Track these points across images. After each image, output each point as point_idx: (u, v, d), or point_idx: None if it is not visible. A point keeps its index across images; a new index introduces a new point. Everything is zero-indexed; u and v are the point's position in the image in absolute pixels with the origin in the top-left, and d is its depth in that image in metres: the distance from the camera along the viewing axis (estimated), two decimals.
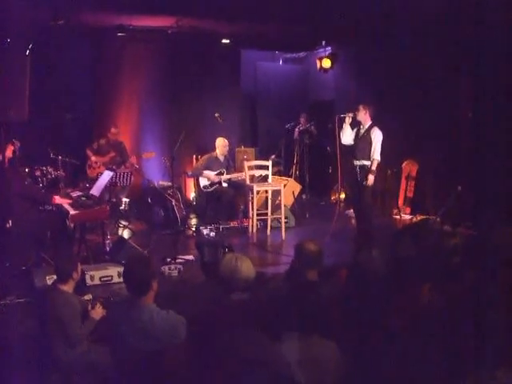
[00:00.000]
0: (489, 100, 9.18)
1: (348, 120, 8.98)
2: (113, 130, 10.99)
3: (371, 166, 8.64)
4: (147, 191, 11.13)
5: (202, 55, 12.20)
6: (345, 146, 9.13)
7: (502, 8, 8.51)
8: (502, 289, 3.87)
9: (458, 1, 8.74)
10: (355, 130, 9.01)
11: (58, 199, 7.69)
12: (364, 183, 8.75)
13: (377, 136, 8.70)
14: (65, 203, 7.66)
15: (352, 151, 8.96)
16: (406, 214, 11.15)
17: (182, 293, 6.33)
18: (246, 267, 4.31)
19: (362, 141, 8.82)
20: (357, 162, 8.83)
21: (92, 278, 6.89)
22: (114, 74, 11.95)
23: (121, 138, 11.28)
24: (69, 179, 9.85)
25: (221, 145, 10.74)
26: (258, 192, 9.84)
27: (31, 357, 4.92)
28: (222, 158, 10.77)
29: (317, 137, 12.83)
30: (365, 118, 8.87)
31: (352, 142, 9.01)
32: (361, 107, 8.88)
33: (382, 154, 8.84)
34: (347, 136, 9.04)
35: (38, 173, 9.01)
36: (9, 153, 7.79)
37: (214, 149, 10.80)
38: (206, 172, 10.59)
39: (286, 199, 10.42)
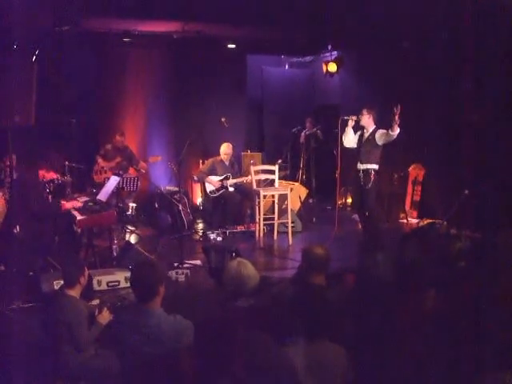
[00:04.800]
0: (494, 103, 9.17)
1: (351, 123, 8.97)
2: (117, 137, 11.01)
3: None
4: (154, 196, 11.14)
5: (207, 60, 12.19)
6: (350, 150, 9.13)
7: (504, 10, 8.51)
8: (507, 292, 3.87)
9: (461, 5, 8.74)
10: (358, 133, 9.01)
11: (66, 204, 7.70)
12: (367, 187, 8.73)
13: (381, 131, 8.66)
14: (75, 205, 7.67)
15: (356, 155, 8.95)
16: (412, 217, 11.14)
17: (189, 298, 6.35)
18: (250, 274, 4.33)
19: (367, 145, 8.80)
20: (360, 166, 8.81)
21: (99, 282, 6.90)
22: (120, 79, 11.98)
23: (126, 143, 11.30)
24: (75, 184, 9.86)
25: (225, 150, 10.73)
26: (264, 196, 9.83)
27: (38, 362, 4.93)
28: (227, 162, 10.78)
29: (323, 141, 12.82)
30: (368, 122, 8.85)
31: (354, 146, 9.01)
32: (365, 111, 8.87)
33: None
34: (349, 139, 9.04)
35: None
36: (49, 175, 7.85)
37: (219, 153, 10.82)
38: (210, 178, 10.59)
39: (293, 204, 10.41)
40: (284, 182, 11.26)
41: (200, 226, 11.08)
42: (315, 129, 12.90)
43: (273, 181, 10.22)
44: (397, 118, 8.22)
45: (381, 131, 8.66)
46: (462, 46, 9.54)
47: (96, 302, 6.07)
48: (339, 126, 9.11)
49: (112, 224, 8.12)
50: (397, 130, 8.34)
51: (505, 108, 8.96)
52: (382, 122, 8.73)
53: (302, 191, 11.36)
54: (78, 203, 7.76)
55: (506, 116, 8.92)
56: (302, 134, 13.08)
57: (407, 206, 11.37)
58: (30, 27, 8.92)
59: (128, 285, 6.43)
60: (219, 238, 9.83)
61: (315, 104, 14.80)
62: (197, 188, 12.00)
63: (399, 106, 8.20)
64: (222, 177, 10.61)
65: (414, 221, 10.96)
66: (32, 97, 6.92)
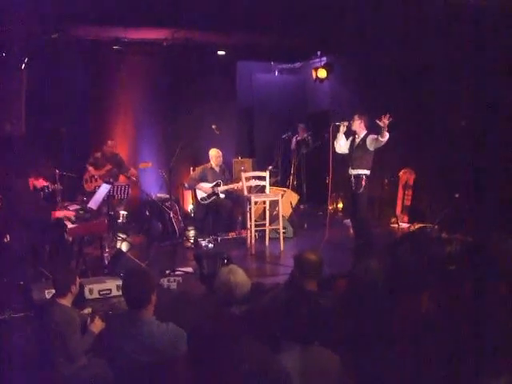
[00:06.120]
0: (485, 109, 9.21)
1: (342, 129, 9.02)
2: (109, 142, 11.04)
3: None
4: (145, 204, 11.13)
5: (197, 67, 12.22)
6: (341, 155, 9.15)
7: (497, 16, 8.56)
8: (499, 295, 3.88)
9: (455, 9, 8.76)
10: (350, 139, 9.04)
11: (58, 213, 7.65)
12: (358, 192, 8.76)
13: (371, 136, 8.70)
14: (67, 215, 7.62)
15: (348, 160, 8.98)
16: (403, 222, 11.15)
17: (181, 305, 6.32)
18: (241, 280, 4.33)
19: (358, 150, 8.83)
20: (352, 171, 8.84)
21: (91, 291, 6.87)
22: (110, 86, 11.97)
23: (116, 150, 11.29)
24: (66, 193, 9.83)
25: (214, 156, 10.76)
26: (255, 203, 9.83)
27: (30, 371, 4.90)
28: (217, 169, 10.79)
29: (313, 147, 12.83)
30: (360, 127, 8.89)
31: (346, 151, 9.05)
32: (356, 117, 8.91)
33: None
34: (341, 145, 9.08)
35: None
36: (39, 183, 7.81)
37: (210, 160, 10.82)
38: (201, 184, 10.60)
39: (284, 210, 10.40)
40: (275, 188, 11.26)
41: (191, 233, 11.06)
42: (306, 135, 12.91)
43: (264, 187, 10.22)
44: (385, 126, 8.27)
45: (371, 136, 8.70)
46: (452, 51, 9.59)
47: (88, 310, 6.05)
48: (330, 131, 9.14)
49: (103, 232, 8.10)
50: (386, 136, 8.38)
51: (494, 112, 9.00)
52: (373, 128, 8.76)
53: (293, 197, 11.36)
54: (70, 213, 7.70)
55: (496, 120, 8.96)
56: (293, 139, 13.09)
57: (398, 211, 11.39)
58: (20, 35, 8.91)
59: (120, 293, 6.41)
60: (211, 245, 9.82)
61: (306, 110, 14.82)
62: (188, 195, 11.99)
63: (388, 115, 8.24)
64: (213, 183, 10.60)
65: (405, 225, 10.98)
66: (21, 105, 6.91)
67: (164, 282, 7.42)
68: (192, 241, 10.34)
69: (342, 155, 9.17)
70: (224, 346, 3.30)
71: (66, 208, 8.17)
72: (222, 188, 10.60)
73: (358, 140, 8.92)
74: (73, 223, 7.50)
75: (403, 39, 10.21)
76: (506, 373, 3.22)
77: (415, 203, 11.17)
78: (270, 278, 7.85)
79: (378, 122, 8.35)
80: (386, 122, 8.24)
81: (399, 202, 11.43)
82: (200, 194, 10.64)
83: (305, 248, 8.32)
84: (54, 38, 9.80)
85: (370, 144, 8.69)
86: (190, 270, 8.09)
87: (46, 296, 6.34)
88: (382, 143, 8.52)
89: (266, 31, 10.61)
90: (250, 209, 9.64)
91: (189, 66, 12.10)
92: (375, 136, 8.59)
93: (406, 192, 11.30)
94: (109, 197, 8.67)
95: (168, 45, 11.38)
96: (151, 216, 10.82)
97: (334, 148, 9.16)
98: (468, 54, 9.33)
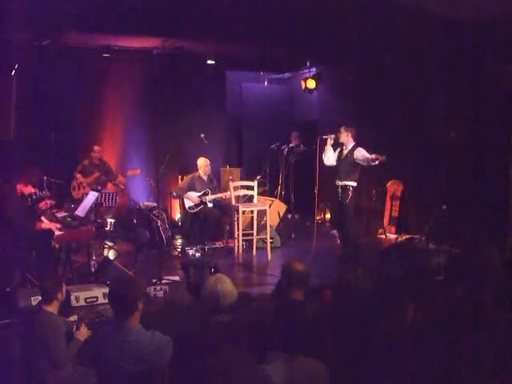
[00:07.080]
0: (474, 121, 9.26)
1: (330, 142, 9.05)
2: (96, 148, 11.00)
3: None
4: (132, 212, 11.09)
5: (187, 76, 12.24)
6: (328, 166, 9.18)
7: (480, 29, 8.64)
8: (485, 306, 3.90)
9: (439, 22, 8.83)
10: (338, 150, 9.06)
11: (45, 224, 7.62)
12: (345, 203, 8.78)
13: (361, 151, 8.73)
14: (53, 227, 7.60)
15: (335, 172, 9.00)
16: (391, 233, 11.17)
17: (167, 314, 6.32)
18: (228, 290, 4.33)
19: (345, 162, 8.86)
20: (339, 183, 8.87)
21: (77, 298, 6.85)
22: (100, 94, 11.94)
23: (104, 157, 11.27)
24: (54, 199, 9.80)
25: (202, 165, 10.77)
26: (243, 212, 9.85)
27: (15, 379, 4.87)
28: (205, 178, 10.80)
29: (303, 156, 12.83)
30: (347, 139, 8.92)
31: (334, 163, 9.07)
32: (342, 129, 8.94)
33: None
34: (329, 157, 9.10)
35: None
36: (27, 190, 7.79)
37: (198, 169, 10.83)
38: (189, 194, 10.59)
39: (272, 219, 10.42)
40: (263, 197, 11.27)
41: (179, 241, 11.04)
42: (294, 145, 12.91)
43: (252, 196, 10.23)
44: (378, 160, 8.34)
45: (361, 151, 8.70)
46: (443, 62, 9.64)
47: (74, 318, 6.04)
48: (318, 144, 9.17)
49: (90, 239, 8.08)
50: (376, 162, 8.43)
51: (483, 124, 9.06)
52: (363, 138, 8.80)
53: (281, 207, 11.38)
54: (55, 225, 7.68)
55: (484, 132, 9.02)
56: (285, 149, 13.05)
57: (385, 222, 11.41)
58: (10, 41, 8.89)
59: (106, 301, 6.39)
60: (198, 254, 9.80)
61: (294, 120, 14.83)
62: (175, 203, 11.98)
63: (384, 157, 8.28)
64: (201, 193, 10.60)
65: (393, 236, 10.99)
66: (11, 111, 6.88)
67: (151, 290, 7.40)
68: (179, 249, 10.32)
69: (330, 167, 9.20)
70: (210, 354, 3.30)
71: (53, 215, 8.14)
72: (210, 197, 10.60)
73: (345, 151, 8.94)
74: (60, 230, 7.48)
75: (393, 51, 10.26)
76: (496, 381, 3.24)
77: (403, 214, 11.20)
78: (256, 288, 7.85)
79: (372, 156, 8.40)
80: (380, 158, 8.31)
81: (387, 213, 11.46)
82: (188, 203, 10.63)
83: (292, 258, 8.36)
84: (44, 45, 9.79)
85: (358, 159, 8.71)
86: (176, 278, 8.08)
87: (32, 303, 6.32)
88: (371, 165, 8.58)
89: (256, 41, 10.64)
90: (238, 218, 9.66)
91: (178, 75, 12.12)
92: (366, 154, 8.60)
93: (394, 203, 11.33)
94: (96, 204, 8.66)
95: (158, 53, 11.40)
96: (139, 224, 10.79)
97: (321, 159, 9.18)
98: (459, 66, 9.39)
